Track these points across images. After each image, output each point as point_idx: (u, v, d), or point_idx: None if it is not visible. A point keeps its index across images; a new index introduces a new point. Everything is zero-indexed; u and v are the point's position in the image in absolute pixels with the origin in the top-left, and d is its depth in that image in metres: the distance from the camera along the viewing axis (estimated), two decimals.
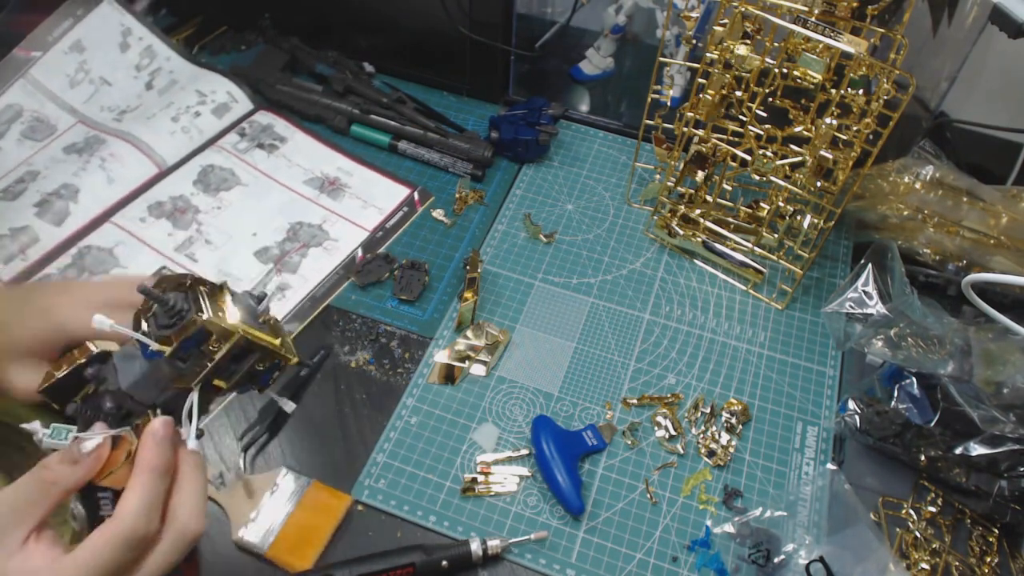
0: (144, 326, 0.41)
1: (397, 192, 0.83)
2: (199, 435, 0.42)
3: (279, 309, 0.71)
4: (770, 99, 0.68)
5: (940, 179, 0.75)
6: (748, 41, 0.64)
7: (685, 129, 0.71)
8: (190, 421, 0.42)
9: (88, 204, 0.76)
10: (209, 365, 0.40)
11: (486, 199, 0.83)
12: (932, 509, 0.61)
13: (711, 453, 0.64)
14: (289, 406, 0.52)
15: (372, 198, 0.82)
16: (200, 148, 0.84)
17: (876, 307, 0.65)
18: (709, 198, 0.76)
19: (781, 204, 0.71)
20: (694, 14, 0.73)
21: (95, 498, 0.42)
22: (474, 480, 0.61)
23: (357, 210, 0.80)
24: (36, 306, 0.47)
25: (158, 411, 0.42)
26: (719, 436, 0.64)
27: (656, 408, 0.66)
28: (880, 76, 0.60)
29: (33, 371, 0.46)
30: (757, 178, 0.70)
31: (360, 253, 0.76)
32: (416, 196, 0.82)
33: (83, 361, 0.44)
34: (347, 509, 0.59)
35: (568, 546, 0.58)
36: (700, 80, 0.68)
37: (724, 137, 0.73)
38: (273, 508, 0.58)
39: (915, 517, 0.61)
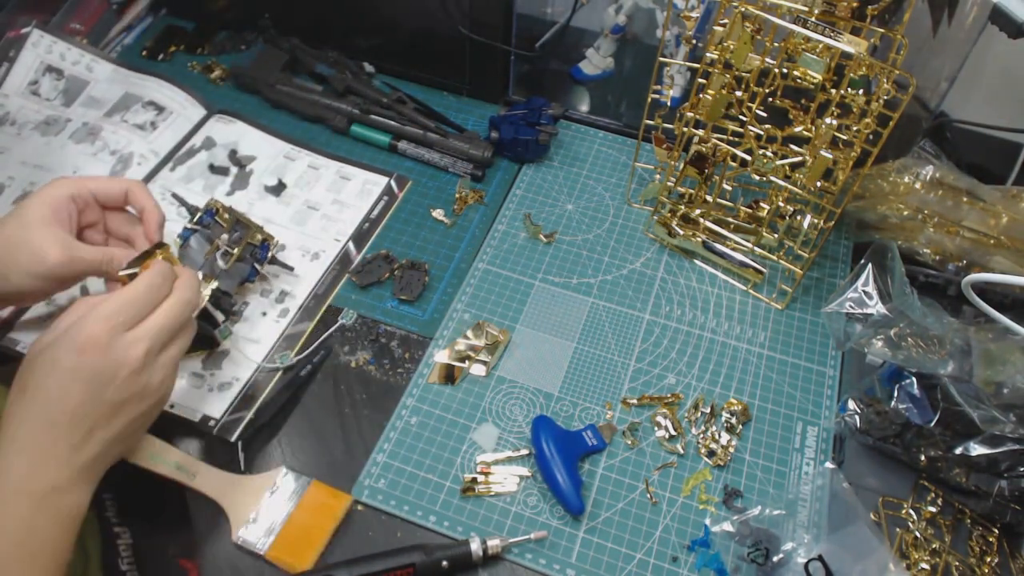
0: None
1: (374, 181, 0.83)
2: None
3: (284, 310, 0.71)
4: (770, 99, 0.68)
5: (940, 179, 0.75)
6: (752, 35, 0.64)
7: (685, 129, 0.71)
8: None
9: None
10: (223, 224, 0.69)
11: (486, 199, 0.83)
12: (932, 509, 0.61)
13: (711, 453, 0.64)
14: (289, 360, 0.68)
15: (349, 190, 0.82)
16: (156, 169, 0.82)
17: (876, 307, 0.65)
18: (709, 198, 0.76)
19: (781, 204, 0.71)
20: (694, 14, 0.73)
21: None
22: (474, 480, 0.61)
23: (337, 204, 0.81)
24: (36, 189, 0.58)
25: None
26: (719, 436, 0.64)
27: (656, 408, 0.66)
28: (880, 76, 0.60)
29: (60, 239, 0.57)
30: (757, 178, 0.70)
31: (353, 247, 0.77)
32: (393, 183, 0.83)
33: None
34: (347, 509, 0.59)
35: (568, 546, 0.58)
36: (700, 80, 0.68)
37: (724, 137, 0.73)
38: (273, 508, 0.58)
39: (915, 517, 0.61)
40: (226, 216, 0.69)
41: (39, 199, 0.58)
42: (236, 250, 0.68)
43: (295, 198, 0.81)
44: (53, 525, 0.46)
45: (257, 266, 0.70)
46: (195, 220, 0.68)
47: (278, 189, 0.81)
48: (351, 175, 0.84)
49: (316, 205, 0.80)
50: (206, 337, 0.65)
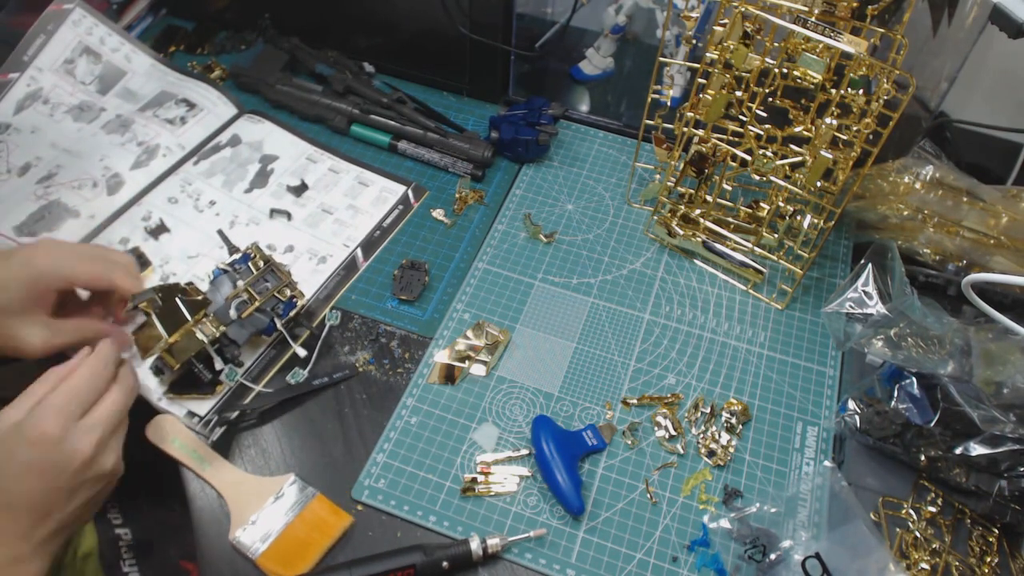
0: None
1: (391, 189, 0.83)
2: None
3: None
4: (770, 99, 0.68)
5: (940, 179, 0.75)
6: (749, 41, 0.64)
7: (685, 129, 0.71)
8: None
9: None
10: (254, 271, 0.67)
11: (486, 199, 0.83)
12: (932, 509, 0.61)
13: (711, 453, 0.64)
14: (301, 352, 0.68)
15: (366, 197, 0.82)
16: (180, 162, 0.82)
17: (876, 307, 0.65)
18: (709, 198, 0.76)
19: (781, 204, 0.71)
20: (694, 14, 0.73)
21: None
22: (474, 480, 0.61)
23: (352, 210, 0.80)
24: (16, 260, 0.58)
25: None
26: (719, 436, 0.64)
27: (656, 408, 0.66)
28: (880, 76, 0.60)
29: (40, 327, 0.58)
30: (757, 178, 0.70)
31: (361, 254, 0.76)
32: (410, 193, 0.82)
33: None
34: (345, 529, 0.58)
35: (568, 546, 0.58)
36: (700, 80, 0.68)
37: (724, 137, 0.73)
38: (274, 515, 0.58)
39: (915, 517, 0.61)
40: (260, 264, 0.67)
41: (25, 284, 0.57)
42: (256, 301, 0.65)
43: (311, 200, 0.81)
44: None
45: (277, 321, 0.66)
46: (229, 261, 0.67)
47: (300, 190, 0.81)
48: (370, 181, 0.83)
49: (331, 209, 0.80)
50: (203, 382, 0.64)
